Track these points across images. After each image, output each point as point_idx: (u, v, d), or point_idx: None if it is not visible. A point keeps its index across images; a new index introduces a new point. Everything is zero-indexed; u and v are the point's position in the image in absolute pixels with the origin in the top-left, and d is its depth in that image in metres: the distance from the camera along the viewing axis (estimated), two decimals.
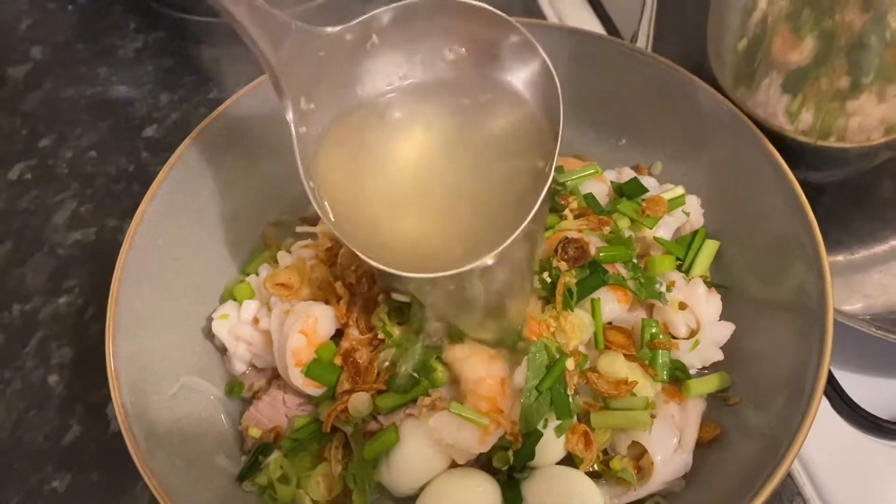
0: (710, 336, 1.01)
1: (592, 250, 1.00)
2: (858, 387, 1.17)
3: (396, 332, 0.98)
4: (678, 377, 1.01)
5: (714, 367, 1.04)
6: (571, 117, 1.21)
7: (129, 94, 1.62)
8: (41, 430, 1.20)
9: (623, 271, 1.02)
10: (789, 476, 1.10)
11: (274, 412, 1.01)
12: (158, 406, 0.97)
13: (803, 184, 1.04)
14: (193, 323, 1.09)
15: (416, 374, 0.95)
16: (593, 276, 0.98)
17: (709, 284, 1.07)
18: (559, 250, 0.99)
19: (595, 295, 0.99)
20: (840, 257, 1.19)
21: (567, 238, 1.00)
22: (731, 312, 1.05)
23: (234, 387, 1.06)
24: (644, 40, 1.34)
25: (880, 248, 1.20)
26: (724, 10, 1.13)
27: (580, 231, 1.02)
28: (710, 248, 1.10)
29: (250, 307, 1.05)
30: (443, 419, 0.92)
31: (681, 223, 1.12)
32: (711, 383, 1.01)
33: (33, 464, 1.17)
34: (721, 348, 1.03)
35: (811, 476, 1.11)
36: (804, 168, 1.08)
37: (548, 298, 0.99)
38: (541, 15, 1.62)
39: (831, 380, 1.16)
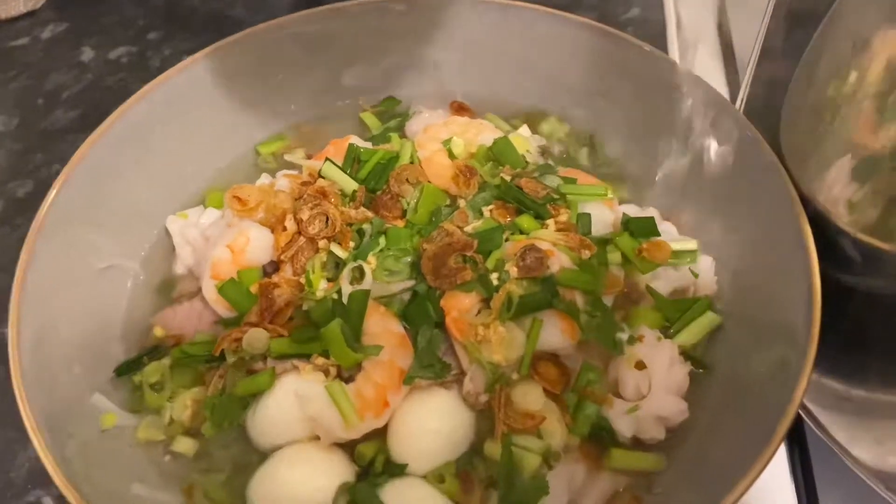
0: (655, 409, 0.85)
1: (555, 267, 0.88)
2: None
3: (322, 285, 0.91)
4: (603, 440, 0.86)
5: (653, 446, 0.87)
6: (625, 131, 1.10)
7: (244, 18, 1.66)
8: None
9: (581, 302, 0.88)
10: None
11: (186, 320, 0.96)
12: (79, 272, 0.96)
13: (837, 284, 0.87)
14: (162, 211, 1.06)
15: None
16: (542, 293, 0.86)
17: (687, 357, 0.91)
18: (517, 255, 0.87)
19: (539, 315, 0.86)
20: (861, 391, 0.98)
21: (532, 245, 0.88)
22: (700, 394, 0.89)
23: (166, 285, 1.02)
24: (740, 98, 1.19)
25: None
26: (808, 78, 0.99)
27: (554, 244, 0.90)
28: (706, 320, 0.94)
29: (210, 214, 1.03)
30: (314, 391, 0.84)
31: (686, 283, 0.97)
32: (638, 461, 0.85)
33: None
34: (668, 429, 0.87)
35: None
36: (845, 266, 0.91)
37: (487, 302, 0.87)
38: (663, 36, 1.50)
39: None
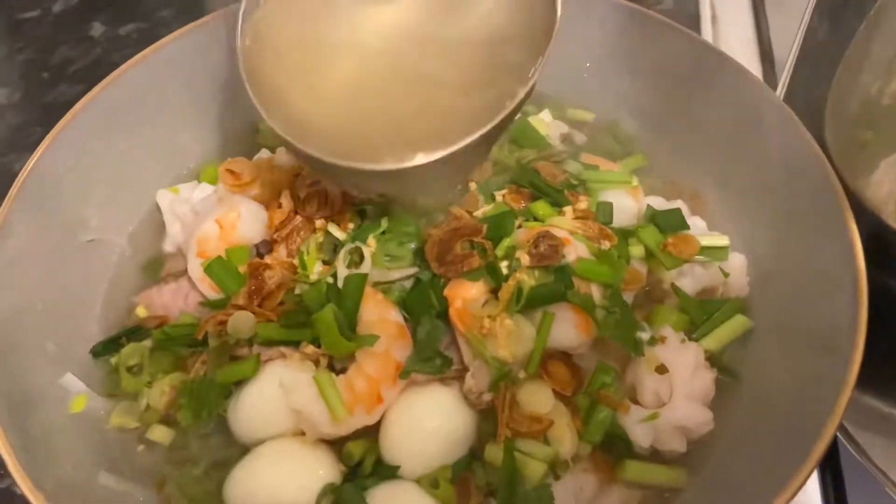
0: (676, 418, 0.77)
1: (571, 257, 0.80)
2: None
3: (316, 268, 0.84)
4: (617, 450, 0.77)
5: (672, 459, 0.79)
6: (655, 119, 1.02)
7: None
8: None
9: (598, 297, 0.80)
10: None
11: (172, 301, 0.89)
12: (61, 243, 0.89)
13: (884, 290, 0.78)
14: (154, 186, 1.00)
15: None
16: (555, 284, 0.78)
17: (713, 363, 0.83)
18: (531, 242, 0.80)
19: (550, 308, 0.78)
20: None
21: (546, 232, 0.80)
22: (727, 405, 0.81)
23: (153, 263, 0.95)
24: (780, 87, 1.11)
25: None
26: (854, 72, 0.91)
27: (571, 233, 0.82)
28: (736, 324, 0.86)
29: (203, 189, 0.96)
30: (300, 381, 0.77)
31: (715, 282, 0.89)
32: (657, 475, 0.77)
33: None
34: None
35: None
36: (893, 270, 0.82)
37: (496, 292, 0.80)
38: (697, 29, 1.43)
39: None
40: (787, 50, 1.25)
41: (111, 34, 1.53)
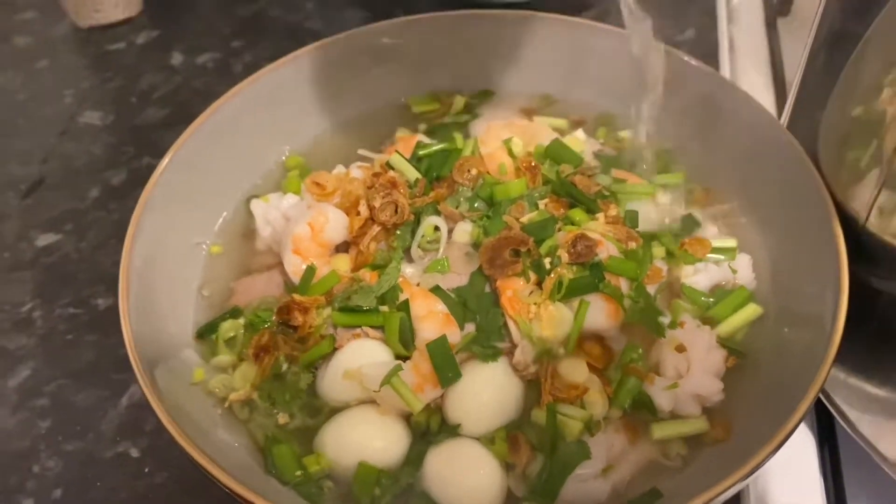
0: (693, 387, 0.93)
1: (603, 255, 0.96)
2: None
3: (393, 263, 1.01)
4: (642, 414, 0.93)
5: None
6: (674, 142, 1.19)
7: (320, 29, 1.78)
8: None
9: (625, 288, 0.97)
10: None
11: (265, 288, 1.07)
12: (177, 243, 1.08)
13: (866, 288, 0.93)
14: (247, 193, 1.19)
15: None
16: (590, 277, 0.94)
17: (724, 345, 0.98)
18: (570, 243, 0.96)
19: (586, 297, 0.94)
20: (886, 391, 1.03)
21: (583, 234, 0.97)
22: (734, 379, 0.96)
23: (247, 259, 1.13)
24: (784, 114, 1.25)
25: None
26: (844, 97, 1.03)
27: (603, 235, 0.98)
28: (748, 312, 1.01)
29: (289, 199, 1.13)
30: (375, 371, 0.92)
31: (725, 278, 1.04)
32: (682, 427, 0.92)
33: None
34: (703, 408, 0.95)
35: None
36: (873, 268, 0.97)
37: (540, 284, 0.96)
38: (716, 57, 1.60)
39: None
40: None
41: (190, 63, 1.71)
